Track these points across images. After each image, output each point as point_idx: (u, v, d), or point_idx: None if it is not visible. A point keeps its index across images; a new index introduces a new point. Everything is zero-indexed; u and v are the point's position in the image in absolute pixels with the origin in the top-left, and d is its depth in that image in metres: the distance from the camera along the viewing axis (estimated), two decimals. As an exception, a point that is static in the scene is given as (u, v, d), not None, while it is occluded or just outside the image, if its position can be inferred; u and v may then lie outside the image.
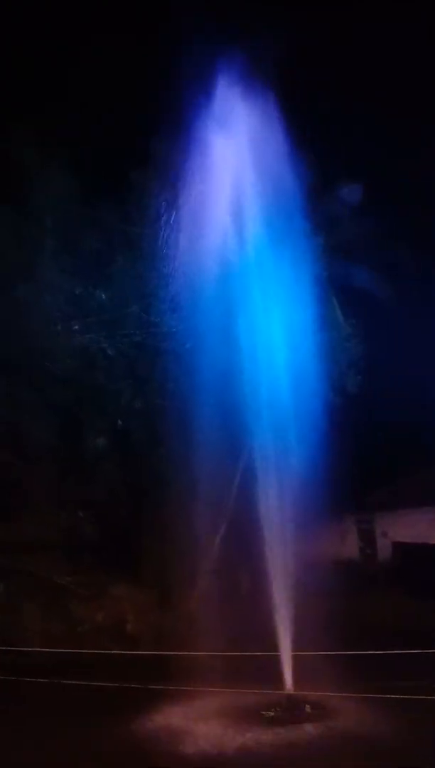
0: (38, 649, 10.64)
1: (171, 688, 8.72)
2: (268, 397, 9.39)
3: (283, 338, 9.59)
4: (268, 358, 9.50)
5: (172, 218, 10.82)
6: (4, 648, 10.03)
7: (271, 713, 7.71)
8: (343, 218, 14.89)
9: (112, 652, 11.10)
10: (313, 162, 14.28)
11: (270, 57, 10.61)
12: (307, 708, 7.74)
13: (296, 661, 8.21)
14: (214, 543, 12.97)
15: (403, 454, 18.06)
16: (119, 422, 13.38)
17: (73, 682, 9.20)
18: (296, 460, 9.25)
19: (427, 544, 16.85)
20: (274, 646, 8.41)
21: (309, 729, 7.24)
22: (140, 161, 13.94)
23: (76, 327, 13.33)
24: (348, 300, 14.64)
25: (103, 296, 13.34)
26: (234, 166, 9.95)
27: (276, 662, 8.31)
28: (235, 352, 10.07)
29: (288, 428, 9.39)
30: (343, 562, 17.86)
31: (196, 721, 7.84)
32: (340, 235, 14.52)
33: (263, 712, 7.75)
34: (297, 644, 8.30)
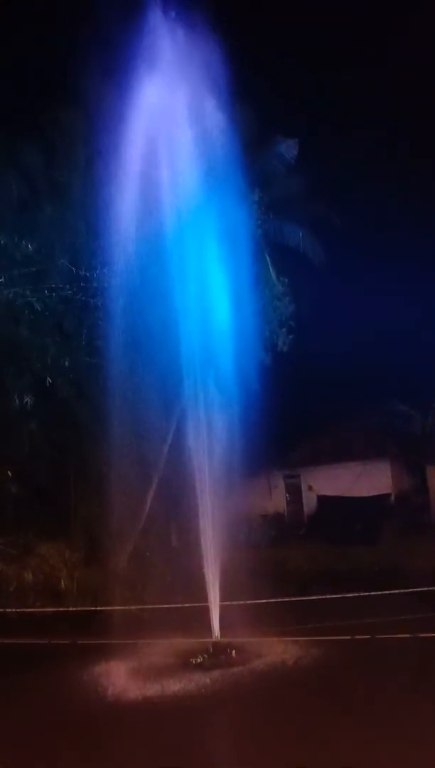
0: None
1: (100, 642, 8.83)
2: (200, 355, 9.36)
3: (216, 296, 9.51)
4: (200, 316, 9.41)
5: (104, 166, 10.29)
6: None
7: (199, 660, 8.01)
8: (279, 174, 14.73)
9: (42, 610, 11.07)
10: (251, 115, 14.02)
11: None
12: (233, 653, 8.08)
13: (223, 610, 8.52)
14: (145, 501, 13.02)
15: (327, 411, 18.73)
16: (48, 380, 12.95)
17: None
18: (227, 417, 9.36)
19: (347, 497, 17.74)
20: (203, 598, 8.66)
21: (234, 671, 7.60)
22: (70, 102, 13.13)
23: (1, 279, 12.66)
24: (280, 258, 14.66)
25: (30, 247, 12.66)
26: (169, 115, 9.56)
27: (204, 612, 8.58)
28: (167, 310, 9.90)
29: (219, 386, 9.44)
30: (270, 515, 18.58)
31: (125, 670, 8.03)
32: (275, 192, 14.38)
33: (191, 659, 8.04)
34: (223, 594, 8.59)
